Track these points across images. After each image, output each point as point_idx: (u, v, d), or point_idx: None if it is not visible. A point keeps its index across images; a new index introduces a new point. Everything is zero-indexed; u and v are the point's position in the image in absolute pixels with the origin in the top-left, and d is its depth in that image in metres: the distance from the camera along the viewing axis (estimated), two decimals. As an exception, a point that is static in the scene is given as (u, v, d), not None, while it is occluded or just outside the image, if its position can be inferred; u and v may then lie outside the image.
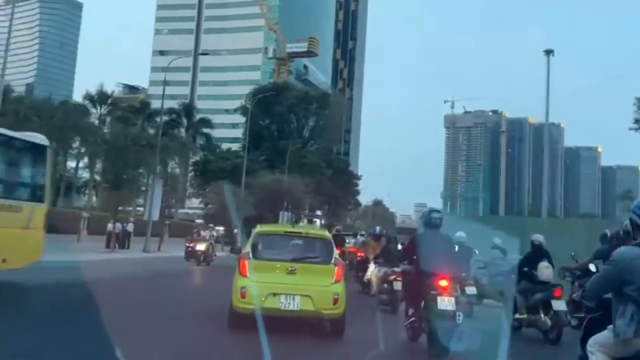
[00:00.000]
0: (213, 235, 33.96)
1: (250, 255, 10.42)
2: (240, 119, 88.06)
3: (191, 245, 29.87)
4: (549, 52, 61.35)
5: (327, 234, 11.86)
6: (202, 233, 30.81)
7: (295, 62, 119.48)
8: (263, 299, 9.87)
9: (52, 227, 34.93)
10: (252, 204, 55.05)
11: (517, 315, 11.58)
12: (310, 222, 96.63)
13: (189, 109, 67.91)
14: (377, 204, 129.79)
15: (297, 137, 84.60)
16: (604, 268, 5.25)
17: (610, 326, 4.81)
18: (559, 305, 11.22)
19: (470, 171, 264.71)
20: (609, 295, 4.88)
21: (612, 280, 4.81)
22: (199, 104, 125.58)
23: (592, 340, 5.04)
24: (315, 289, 10.10)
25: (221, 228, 58.17)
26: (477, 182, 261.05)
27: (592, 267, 11.45)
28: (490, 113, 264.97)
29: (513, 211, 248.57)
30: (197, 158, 76.10)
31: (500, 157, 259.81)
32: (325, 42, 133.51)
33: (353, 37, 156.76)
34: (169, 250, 39.31)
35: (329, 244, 10.95)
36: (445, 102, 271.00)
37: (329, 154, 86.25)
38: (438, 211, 10.49)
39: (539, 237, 12.20)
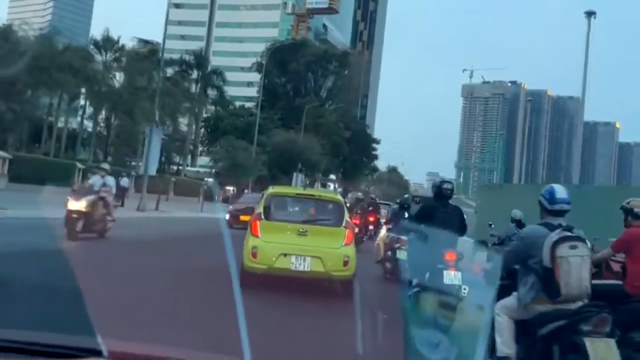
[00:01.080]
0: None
1: (262, 216, 10.48)
2: (255, 77, 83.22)
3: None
4: (590, 15, 56.19)
5: (338, 196, 11.87)
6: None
7: (314, 20, 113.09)
8: (274, 259, 10.00)
9: (45, 179, 30.71)
10: (264, 164, 50.45)
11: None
12: (324, 186, 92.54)
13: (200, 59, 62.49)
14: (392, 170, 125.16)
15: (313, 96, 79.38)
16: (514, 243, 6.17)
17: (515, 293, 5.46)
18: None
19: (486, 142, 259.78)
20: (517, 266, 5.58)
21: (520, 253, 5.60)
22: (214, 61, 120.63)
23: (499, 304, 5.60)
24: (326, 250, 10.11)
25: (231, 188, 53.64)
26: (492, 153, 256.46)
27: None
28: (509, 84, 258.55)
29: (528, 183, 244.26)
30: (209, 115, 71.41)
31: (517, 129, 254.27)
32: (346, 2, 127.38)
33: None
34: (169, 209, 34.82)
35: (340, 207, 10.87)
36: (464, 71, 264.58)
37: (347, 115, 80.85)
38: (450, 182, 9.74)
39: (517, 214, 11.55)
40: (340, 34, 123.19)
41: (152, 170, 31.73)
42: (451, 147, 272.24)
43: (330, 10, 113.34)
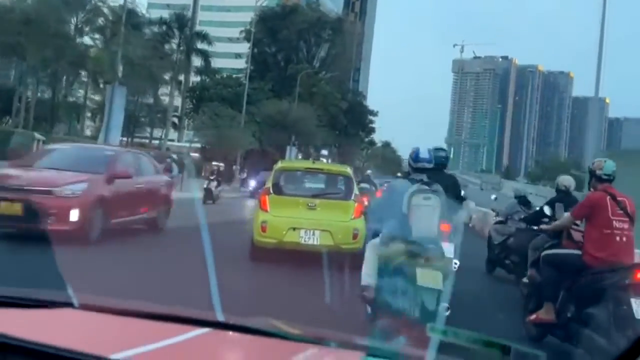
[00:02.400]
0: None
1: (271, 191, 10.37)
2: (244, 48, 76.26)
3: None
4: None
5: (348, 170, 11.33)
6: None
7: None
8: (283, 233, 9.90)
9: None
10: (254, 136, 43.97)
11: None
12: (318, 159, 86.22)
13: (182, 20, 55.04)
14: (386, 145, 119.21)
15: (306, 66, 72.58)
16: (384, 192, 7.64)
17: (382, 233, 6.16)
18: None
19: (476, 118, 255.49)
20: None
21: (385, 202, 6.68)
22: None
23: (369, 243, 6.44)
24: (335, 224, 9.93)
25: (220, 164, 47.06)
26: (483, 129, 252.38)
27: (546, 210, 8.46)
28: (500, 59, 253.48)
29: (516, 160, 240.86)
30: (194, 85, 64.50)
31: (508, 105, 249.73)
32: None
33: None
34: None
35: (349, 180, 10.72)
36: (454, 45, 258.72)
37: (342, 86, 73.84)
38: (444, 149, 9.03)
39: (566, 181, 9.48)
40: (332, 3, 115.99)
41: (114, 139, 25.13)
42: (442, 123, 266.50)
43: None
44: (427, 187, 6.16)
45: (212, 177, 26.89)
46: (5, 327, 1.41)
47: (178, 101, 67.86)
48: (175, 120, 64.14)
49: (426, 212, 5.98)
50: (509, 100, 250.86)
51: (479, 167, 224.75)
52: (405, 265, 5.75)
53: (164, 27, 53.77)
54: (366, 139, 78.05)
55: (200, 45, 57.26)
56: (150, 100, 59.86)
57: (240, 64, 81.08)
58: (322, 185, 11.39)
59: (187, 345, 1.76)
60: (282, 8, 80.00)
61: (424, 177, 6.28)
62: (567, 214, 6.73)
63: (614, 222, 5.90)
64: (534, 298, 6.57)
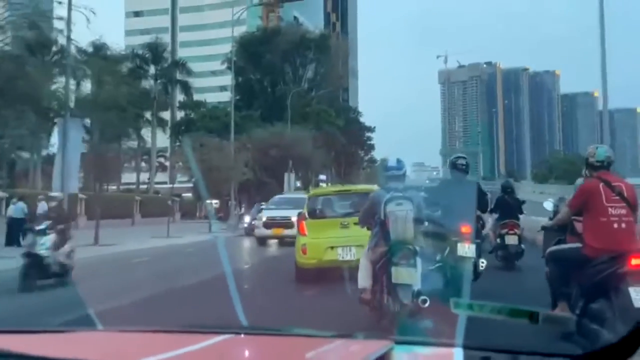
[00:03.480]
0: None
1: (307, 216, 11.42)
2: (229, 80, 71.88)
3: None
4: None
5: (374, 187, 10.40)
6: None
7: (284, 9, 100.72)
8: (322, 252, 10.74)
9: None
10: (247, 166, 38.81)
11: None
12: (317, 186, 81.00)
13: (156, 50, 49.56)
14: (383, 161, 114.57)
15: (294, 88, 67.64)
16: (366, 203, 7.64)
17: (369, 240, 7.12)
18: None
19: (468, 126, 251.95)
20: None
21: (368, 210, 7.29)
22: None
23: (363, 252, 7.30)
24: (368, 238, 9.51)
25: (214, 201, 41.96)
26: (476, 136, 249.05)
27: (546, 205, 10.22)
28: (485, 65, 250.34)
29: (513, 163, 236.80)
30: (179, 119, 59.56)
31: (498, 110, 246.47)
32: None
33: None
34: (123, 239, 23.30)
35: None
36: (438, 57, 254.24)
37: (335, 103, 68.73)
38: (464, 157, 9.40)
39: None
40: (311, 24, 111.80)
41: (73, 187, 19.81)
42: (436, 136, 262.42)
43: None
44: (398, 194, 6.94)
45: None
46: (31, 349, 1.49)
47: (166, 141, 63.20)
48: (163, 160, 59.14)
49: (400, 217, 6.80)
50: (499, 105, 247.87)
51: (478, 174, 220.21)
52: (386, 266, 6.67)
53: (138, 61, 48.72)
54: (366, 157, 72.89)
55: (180, 77, 52.17)
56: (134, 143, 55.01)
57: (227, 96, 76.45)
58: (352, 205, 11.44)
59: (210, 350, 1.77)
60: (263, 32, 75.50)
61: (398, 185, 7.13)
62: (565, 208, 6.76)
63: (610, 209, 5.72)
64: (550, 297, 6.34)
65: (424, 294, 6.18)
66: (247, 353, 1.83)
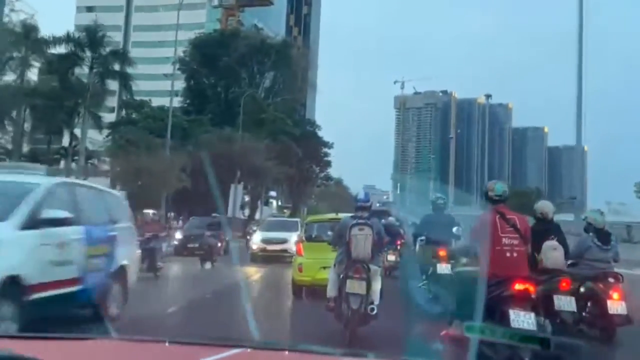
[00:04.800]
0: None
1: (304, 239, 13.35)
2: (181, 85, 65.65)
3: None
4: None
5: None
6: None
7: (245, 17, 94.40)
8: (316, 271, 11.88)
9: None
10: (184, 172, 32.38)
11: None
12: (266, 204, 74.37)
13: (93, 35, 42.37)
14: (338, 183, 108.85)
15: (249, 90, 61.30)
16: (336, 228, 9.17)
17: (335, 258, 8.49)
18: (565, 303, 7.79)
19: (421, 153, 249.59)
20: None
21: (337, 233, 8.69)
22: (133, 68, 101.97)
23: (331, 268, 8.73)
24: None
25: (152, 211, 35.36)
26: (427, 162, 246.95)
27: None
28: (441, 94, 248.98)
29: (462, 192, 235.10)
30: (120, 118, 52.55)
31: (449, 139, 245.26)
32: (279, 4, 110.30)
33: (308, 2, 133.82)
34: None
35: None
36: (395, 82, 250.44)
37: (293, 114, 62.58)
38: (442, 197, 12.07)
39: (545, 207, 9.21)
40: (273, 35, 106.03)
41: None
42: (388, 160, 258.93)
43: (263, 2, 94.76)
44: (362, 221, 8.35)
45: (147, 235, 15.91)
46: (46, 355, 1.50)
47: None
48: (96, 162, 51.93)
49: (361, 240, 8.17)
50: (451, 133, 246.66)
51: (427, 201, 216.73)
52: (345, 279, 7.98)
53: (72, 46, 41.73)
54: (321, 174, 66.92)
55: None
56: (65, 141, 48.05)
57: (179, 101, 69.89)
58: None
59: None
60: (220, 34, 69.31)
61: (364, 214, 8.58)
62: (470, 234, 7.46)
63: (503, 238, 6.38)
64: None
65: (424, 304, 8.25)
66: None
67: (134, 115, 52.13)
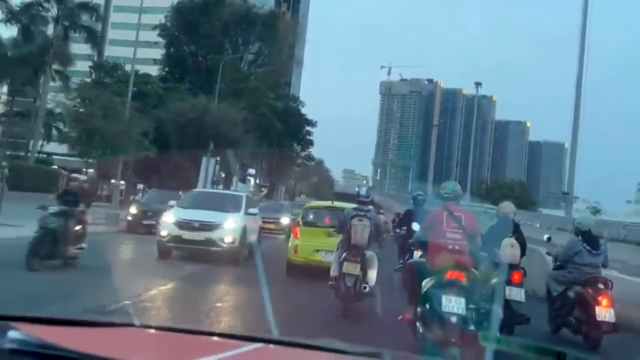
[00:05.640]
0: None
1: (301, 223, 13.83)
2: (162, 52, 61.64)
3: None
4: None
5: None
6: None
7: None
8: (310, 253, 12.89)
9: None
10: (145, 137, 28.51)
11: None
12: (244, 181, 70.52)
13: None
14: (319, 164, 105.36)
15: (230, 55, 57.06)
16: (339, 219, 10.34)
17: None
18: (515, 293, 8.46)
19: (403, 140, 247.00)
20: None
21: (342, 222, 9.77)
22: (114, 34, 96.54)
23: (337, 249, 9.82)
24: None
25: (79, 176, 31.24)
26: (409, 150, 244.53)
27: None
28: (426, 82, 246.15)
29: (441, 181, 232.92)
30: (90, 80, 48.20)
31: (432, 127, 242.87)
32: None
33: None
34: None
35: None
36: (382, 67, 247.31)
37: (276, 87, 58.31)
38: (421, 194, 13.06)
39: (506, 207, 9.71)
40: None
41: None
42: (369, 145, 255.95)
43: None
44: (361, 213, 9.45)
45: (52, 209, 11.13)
46: (69, 342, 1.47)
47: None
48: (62, 126, 47.75)
49: (359, 229, 9.31)
50: (434, 122, 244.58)
51: (406, 189, 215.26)
52: (344, 261, 9.06)
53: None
54: (302, 153, 63.04)
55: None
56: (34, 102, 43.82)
57: (157, 68, 65.60)
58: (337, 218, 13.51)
59: (240, 358, 1.77)
60: (204, 0, 64.94)
61: (364, 207, 9.67)
62: (419, 229, 8.07)
63: (448, 233, 6.79)
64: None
65: None
66: None
67: (106, 79, 47.79)
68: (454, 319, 6.18)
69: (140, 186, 44.69)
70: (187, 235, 14.35)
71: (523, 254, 8.93)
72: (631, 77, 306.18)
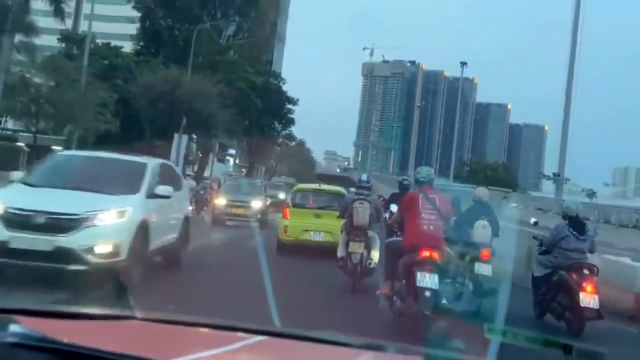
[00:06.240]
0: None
1: (290, 205, 14.50)
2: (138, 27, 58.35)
3: None
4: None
5: (342, 190, 15.37)
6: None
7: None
8: (299, 233, 13.66)
9: None
10: (106, 106, 25.57)
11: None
12: (222, 161, 67.77)
13: None
14: (300, 144, 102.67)
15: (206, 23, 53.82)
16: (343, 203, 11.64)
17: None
18: (484, 268, 8.79)
19: (384, 121, 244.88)
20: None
21: (344, 206, 10.77)
22: (88, 9, 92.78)
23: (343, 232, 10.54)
24: (334, 227, 12.12)
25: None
26: (390, 132, 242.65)
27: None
28: (408, 64, 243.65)
29: (422, 163, 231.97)
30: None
31: (414, 109, 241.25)
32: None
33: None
34: None
35: (343, 196, 13.49)
36: (364, 49, 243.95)
37: (256, 63, 55.08)
38: (407, 179, 12.18)
39: (480, 192, 10.37)
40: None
41: None
42: (351, 126, 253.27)
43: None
44: (362, 197, 10.21)
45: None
46: (70, 336, 1.45)
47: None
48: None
49: (361, 211, 9.94)
50: (416, 104, 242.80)
51: (388, 170, 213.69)
52: (348, 242, 9.81)
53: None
54: (283, 132, 60.19)
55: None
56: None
57: (132, 43, 62.29)
58: (325, 200, 14.62)
59: (242, 352, 1.77)
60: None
61: (364, 192, 10.49)
62: (397, 210, 8.56)
63: (423, 214, 7.23)
64: None
65: None
66: (273, 357, 1.82)
67: (74, 51, 44.52)
68: (427, 293, 6.66)
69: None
70: (19, 240, 7.69)
71: (496, 234, 9.23)
72: (606, 60, 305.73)
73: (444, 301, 6.76)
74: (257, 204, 21.67)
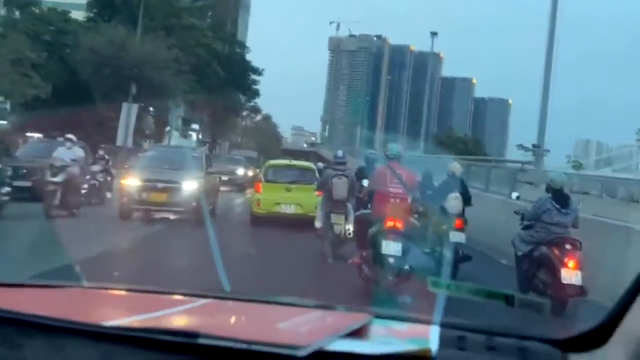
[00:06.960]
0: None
1: (263, 180, 15.17)
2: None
3: None
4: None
5: (312, 165, 17.14)
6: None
7: None
8: (271, 206, 14.36)
9: None
10: (34, 67, 21.78)
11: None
12: (185, 136, 63.88)
13: None
14: (266, 119, 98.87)
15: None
16: (321, 178, 12.88)
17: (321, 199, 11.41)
18: (457, 237, 9.50)
19: (351, 96, 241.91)
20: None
21: (323, 181, 11.57)
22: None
23: (318, 205, 11.60)
24: (304, 199, 13.98)
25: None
26: (357, 106, 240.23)
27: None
28: (375, 38, 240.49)
29: (390, 137, 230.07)
30: None
31: (381, 83, 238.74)
32: None
33: None
34: None
35: (312, 172, 15.53)
36: (330, 23, 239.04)
37: (219, 31, 50.77)
38: (374, 153, 14.29)
39: (454, 167, 10.87)
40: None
41: None
42: (317, 101, 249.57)
43: None
44: (340, 173, 10.87)
45: None
46: (15, 305, 1.44)
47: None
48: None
49: (340, 186, 10.57)
50: (382, 79, 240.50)
51: (355, 144, 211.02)
52: (329, 213, 10.45)
53: None
54: (248, 104, 56.31)
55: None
56: None
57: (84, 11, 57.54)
58: (295, 175, 15.40)
59: (189, 312, 1.76)
60: None
61: (342, 168, 11.17)
62: (367, 184, 9.21)
63: (390, 188, 7.88)
64: None
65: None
66: (220, 318, 1.78)
67: (17, 15, 40.12)
68: (391, 260, 7.36)
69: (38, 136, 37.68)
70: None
71: (468, 204, 9.95)
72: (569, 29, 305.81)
73: (407, 267, 7.29)
74: (190, 185, 14.12)
